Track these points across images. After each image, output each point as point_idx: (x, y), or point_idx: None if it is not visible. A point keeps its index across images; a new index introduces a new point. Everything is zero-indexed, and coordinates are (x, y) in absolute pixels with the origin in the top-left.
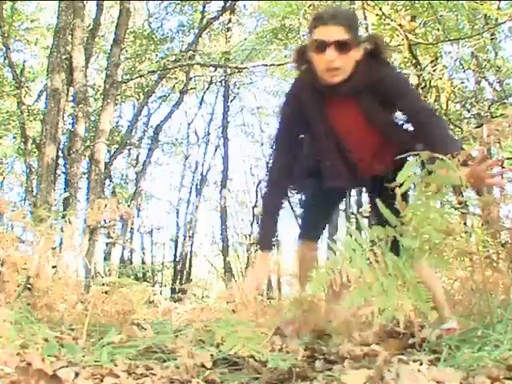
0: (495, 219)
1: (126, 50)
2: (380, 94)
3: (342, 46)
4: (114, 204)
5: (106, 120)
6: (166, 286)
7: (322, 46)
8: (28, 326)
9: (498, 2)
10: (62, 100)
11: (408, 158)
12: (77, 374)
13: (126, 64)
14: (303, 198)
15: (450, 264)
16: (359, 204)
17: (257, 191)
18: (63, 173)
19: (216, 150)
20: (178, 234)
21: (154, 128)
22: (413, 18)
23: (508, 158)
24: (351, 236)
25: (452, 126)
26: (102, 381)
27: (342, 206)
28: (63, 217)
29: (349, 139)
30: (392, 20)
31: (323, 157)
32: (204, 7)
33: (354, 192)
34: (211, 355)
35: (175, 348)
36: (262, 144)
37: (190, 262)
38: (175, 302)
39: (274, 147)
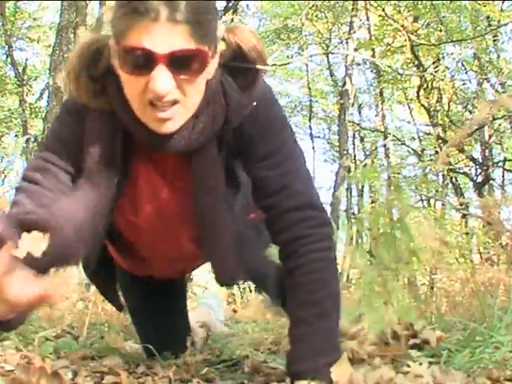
0: (496, 221)
1: None
2: (236, 149)
3: (185, 63)
4: None
5: None
6: None
7: (143, 62)
8: (28, 324)
9: (500, 3)
10: (64, 98)
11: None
12: (76, 373)
13: None
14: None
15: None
16: (360, 205)
17: None
18: None
19: None
20: None
21: None
22: (415, 19)
23: (509, 160)
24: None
25: (453, 127)
26: (102, 379)
27: (343, 207)
28: None
29: (149, 237)
30: (395, 21)
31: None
32: None
33: (354, 192)
34: (211, 354)
35: None
36: None
37: None
38: None
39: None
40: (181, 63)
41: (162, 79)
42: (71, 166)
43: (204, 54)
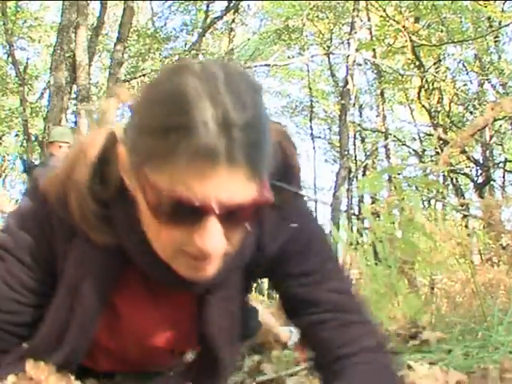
0: (497, 222)
1: (130, 49)
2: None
3: (241, 213)
4: None
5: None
6: None
7: (190, 213)
8: None
9: (502, 4)
10: (65, 98)
11: None
12: None
13: (130, 62)
14: None
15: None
16: (361, 205)
17: None
18: None
19: None
20: None
21: None
22: (416, 20)
23: (510, 161)
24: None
25: (454, 128)
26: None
27: (343, 207)
28: None
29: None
30: (396, 21)
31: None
32: (208, 7)
33: (355, 193)
34: None
35: None
36: None
37: None
38: None
39: None
40: (236, 214)
41: (214, 237)
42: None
43: (264, 200)
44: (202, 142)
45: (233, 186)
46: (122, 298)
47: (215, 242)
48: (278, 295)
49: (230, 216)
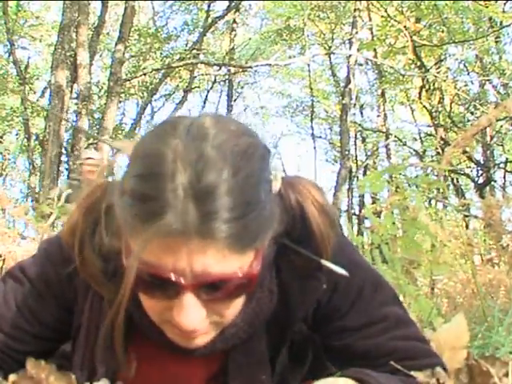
0: (498, 222)
1: (131, 48)
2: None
3: (221, 287)
4: None
5: (109, 117)
6: None
7: (165, 288)
8: None
9: (503, 4)
10: (66, 97)
11: None
12: None
13: (131, 62)
14: None
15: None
16: (361, 205)
17: None
18: (66, 169)
19: None
20: None
21: None
22: (418, 20)
23: (511, 161)
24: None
25: (455, 128)
26: None
27: (344, 207)
28: (65, 213)
29: None
30: (397, 21)
31: None
32: (209, 6)
33: (356, 193)
34: None
35: None
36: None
37: None
38: None
39: None
40: (215, 288)
41: (190, 313)
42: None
43: (247, 274)
44: (172, 214)
45: (208, 260)
46: (138, 352)
47: (192, 318)
48: (329, 351)
49: (211, 290)
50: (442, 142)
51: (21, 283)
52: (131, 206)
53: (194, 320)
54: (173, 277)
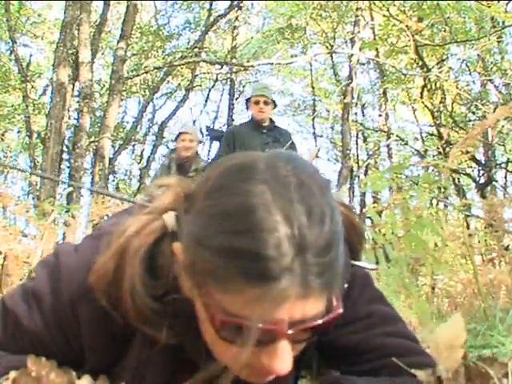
0: (500, 222)
1: (133, 46)
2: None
3: (312, 330)
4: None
5: (111, 115)
6: None
7: (259, 337)
8: None
9: (505, 4)
10: (68, 95)
11: None
12: None
13: (132, 60)
14: None
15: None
16: (363, 204)
17: None
18: (67, 167)
19: None
20: None
21: (158, 124)
22: (420, 19)
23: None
24: None
25: (457, 128)
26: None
27: None
28: (67, 211)
29: None
30: (399, 21)
31: None
32: (211, 5)
33: (357, 192)
34: None
35: None
36: None
37: None
38: None
39: None
40: (307, 332)
41: (284, 359)
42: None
43: (334, 314)
44: (276, 268)
45: (305, 309)
46: None
47: (286, 363)
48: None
49: (300, 334)
50: (443, 142)
51: (29, 305)
52: (223, 258)
53: (288, 364)
54: (272, 326)
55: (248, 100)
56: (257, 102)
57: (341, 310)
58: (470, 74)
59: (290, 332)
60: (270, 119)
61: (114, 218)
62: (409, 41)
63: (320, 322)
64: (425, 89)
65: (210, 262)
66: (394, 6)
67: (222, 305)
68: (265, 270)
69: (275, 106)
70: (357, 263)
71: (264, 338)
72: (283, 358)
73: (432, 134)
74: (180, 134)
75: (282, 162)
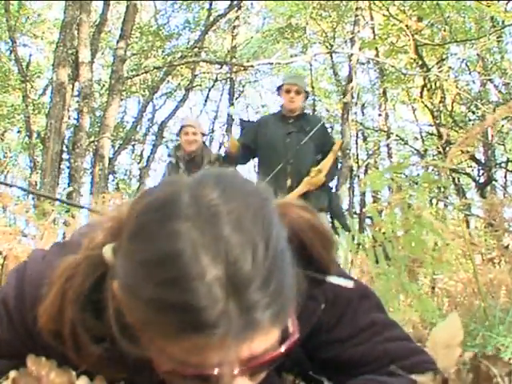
0: (500, 221)
1: (132, 46)
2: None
3: (267, 361)
4: (118, 199)
5: (110, 115)
6: None
7: (211, 381)
8: None
9: (505, 4)
10: (67, 94)
11: None
12: None
13: (132, 60)
14: None
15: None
16: (362, 204)
17: None
18: (67, 167)
19: (220, 147)
20: None
21: (158, 124)
22: (420, 19)
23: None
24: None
25: (457, 128)
26: None
27: (345, 206)
28: (67, 211)
29: None
30: (399, 21)
31: None
32: (211, 5)
33: (357, 191)
34: None
35: None
36: None
37: None
38: None
39: None
40: (262, 363)
41: None
42: None
43: (291, 340)
44: (210, 317)
45: (254, 346)
46: None
47: None
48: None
49: (258, 367)
50: (443, 142)
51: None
52: (156, 311)
53: None
54: (219, 370)
55: (280, 88)
56: (288, 91)
57: (297, 335)
58: (469, 73)
59: (240, 371)
60: (302, 109)
61: (87, 226)
62: (408, 40)
63: (276, 353)
64: (424, 88)
65: (143, 313)
66: (394, 5)
67: (163, 351)
68: (199, 320)
69: (307, 96)
70: (331, 280)
71: (216, 382)
72: None
73: (432, 134)
74: (182, 127)
75: (209, 188)
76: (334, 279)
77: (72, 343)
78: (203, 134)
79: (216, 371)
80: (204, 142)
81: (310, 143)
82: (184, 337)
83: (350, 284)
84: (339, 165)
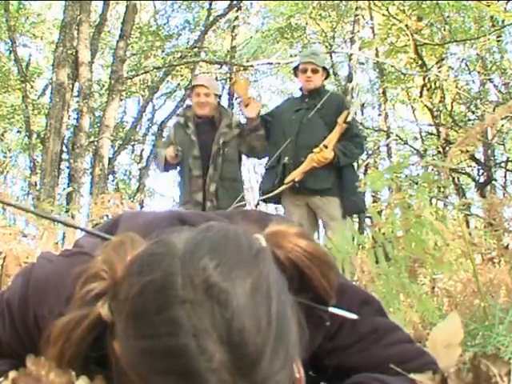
0: (499, 221)
1: (132, 46)
2: None
3: None
4: (118, 199)
5: (110, 115)
6: None
7: None
8: None
9: (504, 3)
10: (67, 95)
11: None
12: None
13: (132, 60)
14: None
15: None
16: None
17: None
18: (67, 167)
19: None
20: None
21: (158, 124)
22: (419, 19)
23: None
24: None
25: (456, 127)
26: None
27: None
28: (66, 211)
29: None
30: (399, 20)
31: None
32: (210, 5)
33: None
34: None
35: None
36: None
37: None
38: None
39: None
40: None
41: None
42: None
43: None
44: None
45: None
46: None
47: None
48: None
49: None
50: (443, 141)
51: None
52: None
53: None
54: None
55: (296, 69)
56: (304, 70)
57: (303, 379)
58: (469, 73)
59: None
60: (323, 87)
61: (86, 243)
62: (408, 40)
63: None
64: (424, 88)
65: (147, 379)
66: (394, 5)
67: None
68: None
69: (328, 74)
70: (332, 310)
71: None
72: None
73: (431, 134)
74: (194, 87)
75: (204, 261)
76: (333, 309)
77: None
78: (217, 96)
79: None
80: (220, 103)
81: (318, 120)
82: None
83: (351, 315)
84: (359, 141)
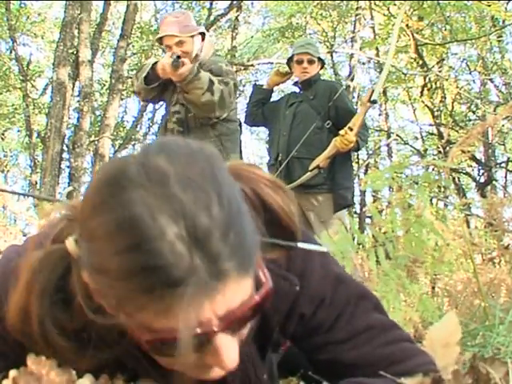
0: (500, 221)
1: (133, 46)
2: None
3: (247, 315)
4: None
5: (111, 115)
6: None
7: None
8: None
9: (505, 3)
10: (68, 94)
11: None
12: None
13: (133, 59)
14: None
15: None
16: (362, 203)
17: None
18: (67, 167)
19: None
20: None
21: (158, 124)
22: (420, 19)
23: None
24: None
25: (457, 127)
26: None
27: None
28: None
29: None
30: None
31: None
32: (211, 4)
33: (356, 191)
34: None
35: None
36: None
37: None
38: None
39: None
40: (242, 317)
41: (228, 353)
42: None
43: (265, 290)
44: (177, 274)
45: (229, 298)
46: None
47: (232, 357)
48: (315, 365)
49: (237, 322)
50: (443, 141)
51: None
52: (125, 282)
53: (234, 357)
54: (201, 329)
55: (290, 60)
56: (300, 62)
57: (270, 283)
58: (470, 73)
59: (222, 327)
60: (319, 77)
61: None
62: (409, 40)
63: (251, 303)
64: (425, 88)
65: (114, 288)
66: (395, 5)
67: (142, 323)
68: (167, 279)
69: (323, 64)
70: (301, 246)
71: (198, 342)
72: (227, 354)
73: (432, 134)
74: (161, 39)
75: (153, 156)
76: (303, 245)
77: (42, 340)
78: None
79: (196, 331)
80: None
81: (310, 111)
82: (156, 300)
83: (322, 248)
84: (364, 122)
